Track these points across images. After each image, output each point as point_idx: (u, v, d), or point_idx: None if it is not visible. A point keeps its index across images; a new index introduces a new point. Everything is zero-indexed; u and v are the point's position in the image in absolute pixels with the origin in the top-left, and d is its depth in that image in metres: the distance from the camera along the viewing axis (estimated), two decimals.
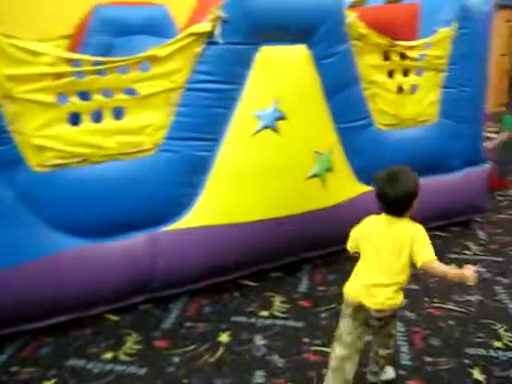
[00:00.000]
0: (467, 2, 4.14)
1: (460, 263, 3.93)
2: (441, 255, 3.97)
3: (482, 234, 4.57)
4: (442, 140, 4.27)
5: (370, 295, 2.25)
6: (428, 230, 4.59)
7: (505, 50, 9.84)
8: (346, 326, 2.33)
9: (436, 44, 4.07)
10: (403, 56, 3.95)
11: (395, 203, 2.27)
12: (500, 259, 4.08)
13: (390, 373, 2.63)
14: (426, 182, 4.25)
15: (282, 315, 3.26)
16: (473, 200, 4.60)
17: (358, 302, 2.28)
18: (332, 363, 2.37)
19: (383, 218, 2.32)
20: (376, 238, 2.30)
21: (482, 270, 3.82)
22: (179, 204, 3.26)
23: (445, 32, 4.09)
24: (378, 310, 2.26)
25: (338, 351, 2.34)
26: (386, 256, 2.25)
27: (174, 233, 3.24)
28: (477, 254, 4.16)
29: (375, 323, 2.34)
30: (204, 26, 3.07)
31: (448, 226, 4.60)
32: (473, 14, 4.15)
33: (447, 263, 3.92)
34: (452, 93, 4.24)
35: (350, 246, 2.44)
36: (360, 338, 2.35)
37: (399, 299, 2.29)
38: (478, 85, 4.35)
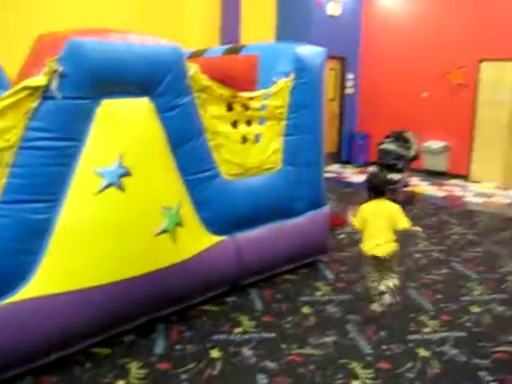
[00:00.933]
0: (302, 54, 4.39)
1: (312, 305, 4.07)
2: (293, 300, 4.14)
3: (329, 274, 4.77)
4: (286, 186, 4.41)
5: (377, 249, 3.85)
6: (277, 275, 4.71)
7: (332, 95, 10.66)
8: (369, 269, 3.98)
9: (275, 94, 4.23)
10: (246, 106, 4.04)
11: (380, 188, 3.95)
12: (348, 297, 4.28)
13: (387, 299, 3.91)
14: (273, 227, 4.40)
15: (140, 382, 3.05)
16: (318, 241, 4.80)
17: (372, 254, 3.88)
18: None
19: (373, 202, 3.92)
20: (374, 215, 3.86)
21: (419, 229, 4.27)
22: (17, 274, 2.93)
23: (283, 83, 4.28)
24: (384, 255, 3.84)
25: (369, 282, 4.00)
26: (381, 224, 3.83)
27: (10, 307, 2.89)
28: (327, 294, 4.31)
29: (384, 263, 3.89)
30: (39, 80, 2.85)
31: (297, 269, 4.73)
32: (307, 65, 4.40)
33: (298, 307, 4.03)
34: (293, 140, 4.42)
35: (359, 223, 3.95)
36: (379, 273, 3.93)
37: (394, 246, 3.87)
38: (316, 131, 4.60)
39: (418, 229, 4.13)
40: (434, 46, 9.91)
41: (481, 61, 9.40)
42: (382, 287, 3.91)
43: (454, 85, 9.79)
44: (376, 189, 3.94)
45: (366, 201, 3.99)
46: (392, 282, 3.91)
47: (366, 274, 4.08)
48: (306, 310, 4.00)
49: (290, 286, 4.41)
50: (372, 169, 5.21)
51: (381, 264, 3.90)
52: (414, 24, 10.15)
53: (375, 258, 3.89)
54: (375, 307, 3.96)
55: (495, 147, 9.46)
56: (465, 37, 9.52)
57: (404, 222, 3.82)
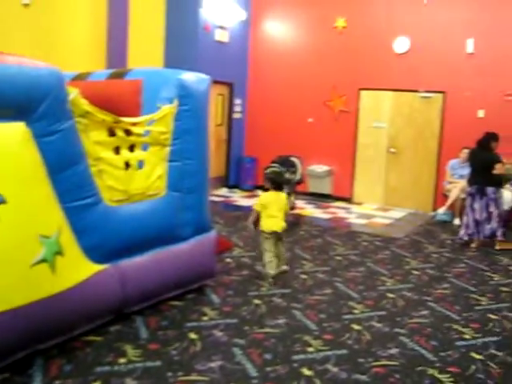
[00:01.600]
0: (186, 81, 4.42)
1: (199, 330, 4.05)
2: (179, 326, 4.11)
3: (215, 298, 4.78)
4: (171, 212, 4.39)
5: (275, 225, 5.19)
6: (163, 301, 4.64)
7: (219, 120, 10.81)
8: (269, 245, 5.22)
9: (159, 120, 4.22)
10: (128, 132, 3.99)
11: (281, 184, 5.48)
12: (234, 321, 4.31)
13: (285, 267, 5.31)
14: (158, 253, 4.34)
15: None
16: (205, 266, 4.80)
17: (272, 230, 5.19)
18: (267, 260, 5.26)
19: (273, 193, 5.31)
20: (273, 202, 5.24)
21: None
22: None
23: (167, 109, 4.27)
24: (280, 230, 5.22)
25: (268, 257, 5.25)
26: (278, 208, 5.23)
27: None
28: (213, 319, 4.31)
29: (280, 236, 5.28)
30: None
31: (184, 294, 4.70)
32: (191, 91, 4.44)
33: (185, 333, 4.00)
34: (177, 166, 4.42)
35: (259, 208, 5.24)
36: (276, 248, 5.27)
37: (285, 224, 5.29)
38: (201, 157, 4.63)
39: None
40: (317, 74, 10.41)
41: (360, 89, 10.00)
42: (280, 268, 5.28)
43: (336, 111, 10.32)
44: (278, 184, 5.39)
45: (266, 190, 5.44)
46: (285, 267, 5.33)
47: (264, 251, 5.29)
48: (192, 335, 3.97)
49: (176, 312, 4.37)
50: (273, 168, 6.11)
51: (277, 237, 5.26)
52: (299, 52, 10.62)
53: (274, 232, 5.21)
54: (270, 268, 5.23)
55: (375, 171, 10.06)
56: (346, 66, 10.12)
57: (287, 208, 5.48)
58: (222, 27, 10.24)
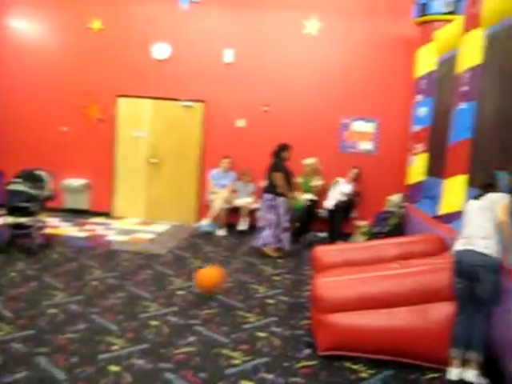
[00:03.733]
0: None
1: None
2: None
3: (7, 312, 4.49)
4: None
5: None
6: None
7: None
8: None
9: None
10: None
11: None
12: (32, 332, 4.14)
13: None
14: None
15: None
16: None
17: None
18: None
19: None
20: None
21: None
22: None
23: None
24: None
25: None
26: None
27: None
28: (9, 333, 4.07)
29: None
30: None
31: None
32: None
33: None
34: None
35: None
36: None
37: None
38: None
39: None
40: (71, 79, 9.45)
41: (118, 96, 9.35)
42: None
43: (93, 120, 9.49)
44: None
45: None
46: None
47: None
48: None
49: None
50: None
51: None
52: (51, 54, 9.51)
53: None
54: None
55: (136, 182, 9.49)
56: (102, 71, 9.35)
57: None
58: None
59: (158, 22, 9.18)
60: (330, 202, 8.38)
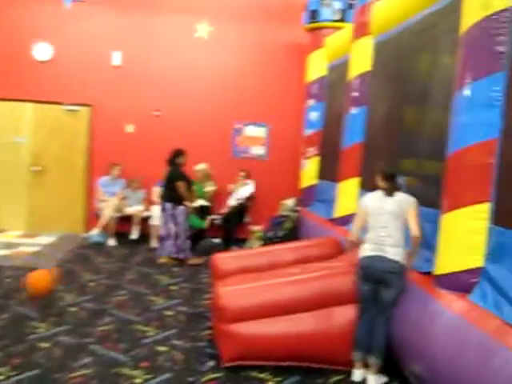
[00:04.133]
0: None
1: None
2: None
3: None
4: None
5: None
6: None
7: None
8: None
9: None
10: None
11: None
12: None
13: None
14: None
15: None
16: None
17: None
18: None
19: None
20: None
21: None
22: None
23: None
24: None
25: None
26: None
27: None
28: None
29: None
30: None
31: None
32: None
33: None
34: None
35: None
36: None
37: None
38: None
39: None
40: None
41: None
42: None
43: None
44: None
45: None
46: None
47: None
48: None
49: None
50: None
51: None
52: None
53: None
54: None
55: (18, 192, 8.84)
56: None
57: None
58: None
59: (39, 21, 8.61)
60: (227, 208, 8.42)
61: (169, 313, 5.17)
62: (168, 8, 8.75)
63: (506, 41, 3.20)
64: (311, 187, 7.77)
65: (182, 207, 7.08)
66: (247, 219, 8.58)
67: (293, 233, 7.52)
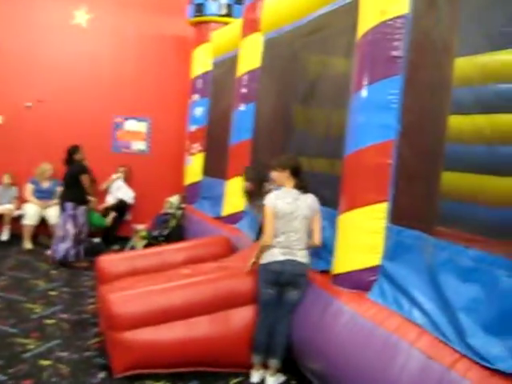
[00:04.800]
0: None
1: None
2: None
3: None
4: None
5: None
6: None
7: None
8: None
9: None
10: None
11: None
12: None
13: None
14: None
15: None
16: None
17: None
18: None
19: None
20: None
21: None
22: None
23: None
24: None
25: None
26: None
27: None
28: None
29: None
30: None
31: None
32: None
33: None
34: None
35: None
36: None
37: None
38: None
39: None
40: None
41: None
42: None
43: None
44: None
45: None
46: None
47: None
48: None
49: None
50: None
51: None
52: None
53: None
54: None
55: None
56: None
57: None
58: None
59: None
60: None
61: (50, 321, 4.78)
62: None
63: (402, 46, 3.31)
64: (196, 184, 7.64)
65: (83, 207, 6.71)
66: (128, 217, 8.26)
67: (178, 231, 7.33)
